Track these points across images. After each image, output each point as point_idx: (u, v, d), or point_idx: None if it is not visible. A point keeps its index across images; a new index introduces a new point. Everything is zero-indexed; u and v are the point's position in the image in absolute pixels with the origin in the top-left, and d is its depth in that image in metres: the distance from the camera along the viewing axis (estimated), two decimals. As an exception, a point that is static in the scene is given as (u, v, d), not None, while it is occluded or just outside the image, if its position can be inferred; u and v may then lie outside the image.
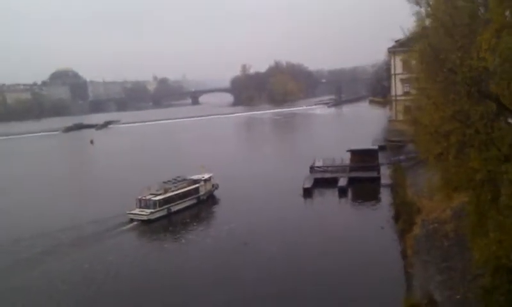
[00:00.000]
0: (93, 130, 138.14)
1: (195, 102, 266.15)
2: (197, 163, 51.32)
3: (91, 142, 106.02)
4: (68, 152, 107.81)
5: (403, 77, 71.73)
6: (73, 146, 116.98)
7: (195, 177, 47.83)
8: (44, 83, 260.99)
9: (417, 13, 19.67)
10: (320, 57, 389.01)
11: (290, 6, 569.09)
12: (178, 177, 47.58)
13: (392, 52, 75.37)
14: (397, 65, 73.38)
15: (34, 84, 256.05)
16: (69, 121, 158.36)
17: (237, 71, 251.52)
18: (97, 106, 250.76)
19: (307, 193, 47.10)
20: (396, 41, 78.00)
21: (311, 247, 32.14)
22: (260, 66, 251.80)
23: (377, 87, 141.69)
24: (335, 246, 32.05)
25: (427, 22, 19.75)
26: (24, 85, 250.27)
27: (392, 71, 75.65)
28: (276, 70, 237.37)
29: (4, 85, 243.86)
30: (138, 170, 64.35)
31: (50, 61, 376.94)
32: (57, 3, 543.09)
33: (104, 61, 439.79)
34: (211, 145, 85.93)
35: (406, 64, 69.96)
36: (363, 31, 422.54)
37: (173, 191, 44.56)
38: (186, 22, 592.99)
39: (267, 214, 41.03)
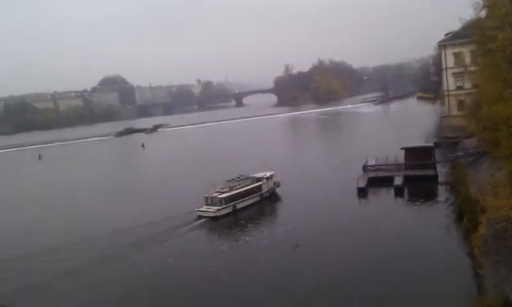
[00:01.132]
0: (143, 134, 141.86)
1: (239, 103, 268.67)
2: (250, 163, 52.52)
3: (143, 145, 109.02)
4: (124, 155, 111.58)
5: (456, 70, 70.08)
6: (126, 149, 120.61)
7: (258, 175, 48.76)
8: (94, 89, 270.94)
9: (475, 4, 20.07)
10: (364, 54, 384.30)
11: (333, 5, 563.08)
12: (242, 175, 48.61)
13: (443, 45, 73.51)
14: (449, 59, 71.64)
15: (85, 90, 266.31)
16: (119, 125, 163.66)
17: (280, 72, 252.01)
18: (144, 110, 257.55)
19: (362, 192, 46.54)
20: (446, 35, 76.39)
21: (371, 249, 31.47)
22: (303, 65, 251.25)
23: (425, 83, 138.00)
24: (397, 247, 31.36)
25: (483, 13, 20.17)
26: (75, 92, 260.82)
27: (443, 66, 73.65)
28: (320, 68, 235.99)
29: (56, 93, 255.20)
30: (196, 171, 66.78)
31: (99, 67, 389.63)
32: (102, 10, 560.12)
33: (149, 66, 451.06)
34: (261, 145, 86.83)
35: (458, 58, 68.59)
36: (407, 27, 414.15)
37: (237, 189, 45.76)
38: (228, 24, 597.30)
39: (324, 214, 40.97)
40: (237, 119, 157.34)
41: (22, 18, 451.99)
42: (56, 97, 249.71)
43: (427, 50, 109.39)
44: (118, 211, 49.53)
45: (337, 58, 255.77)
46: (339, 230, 36.16)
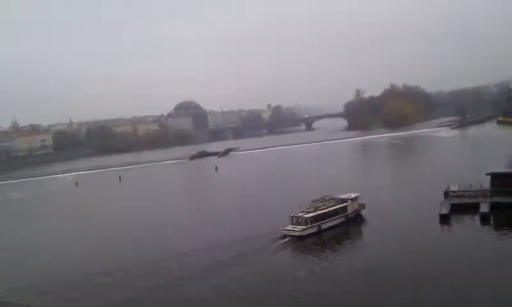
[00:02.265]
0: (215, 157, 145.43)
1: (309, 127, 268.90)
2: (326, 185, 52.27)
3: (216, 168, 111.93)
4: (199, 178, 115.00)
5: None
6: (201, 172, 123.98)
7: (343, 196, 48.96)
8: (169, 114, 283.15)
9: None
10: (439, 77, 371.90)
11: (406, 31, 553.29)
12: (326, 196, 49.16)
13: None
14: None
15: (161, 115, 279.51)
16: (192, 149, 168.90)
17: (350, 96, 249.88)
18: (216, 135, 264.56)
19: (444, 219, 44.89)
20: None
21: (459, 285, 29.85)
22: (375, 90, 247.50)
23: (508, 106, 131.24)
24: (490, 283, 29.39)
25: None
26: (152, 117, 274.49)
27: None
28: (392, 92, 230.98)
29: (135, 117, 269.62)
30: (271, 192, 68.61)
31: (175, 94, 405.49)
32: (179, 38, 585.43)
33: (221, 91, 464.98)
34: (333, 168, 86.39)
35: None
36: (482, 51, 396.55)
37: (322, 209, 46.24)
38: (298, 48, 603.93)
39: (408, 240, 40.30)
40: (308, 143, 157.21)
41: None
42: (134, 121, 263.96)
43: (507, 73, 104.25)
44: (202, 230, 51.32)
45: (411, 82, 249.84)
46: (425, 259, 35.02)
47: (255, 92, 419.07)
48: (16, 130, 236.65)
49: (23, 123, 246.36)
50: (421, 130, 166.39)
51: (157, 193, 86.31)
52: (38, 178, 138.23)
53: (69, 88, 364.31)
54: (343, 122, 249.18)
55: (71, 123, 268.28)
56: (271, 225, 45.40)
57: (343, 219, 47.34)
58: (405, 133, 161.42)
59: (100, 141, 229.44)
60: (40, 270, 42.14)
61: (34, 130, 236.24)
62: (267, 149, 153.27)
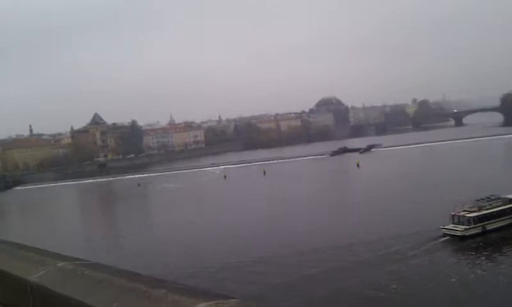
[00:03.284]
0: (356, 153, 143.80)
1: (458, 123, 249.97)
2: (484, 185, 49.44)
3: (358, 165, 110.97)
4: (341, 173, 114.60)
5: None
6: (342, 168, 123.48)
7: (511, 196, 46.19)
8: (311, 110, 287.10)
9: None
10: None
11: None
12: (492, 195, 46.63)
13: None
14: None
15: (303, 112, 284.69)
16: (333, 145, 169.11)
17: (509, 87, 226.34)
18: (357, 130, 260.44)
19: None
20: None
21: None
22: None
23: None
24: None
25: None
26: (295, 113, 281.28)
27: None
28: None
29: (278, 114, 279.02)
30: (423, 190, 65.68)
31: (317, 89, 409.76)
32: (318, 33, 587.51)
33: (363, 86, 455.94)
34: (490, 167, 79.83)
35: None
36: None
37: (487, 209, 43.96)
38: (446, 36, 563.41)
39: None
40: (458, 139, 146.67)
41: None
42: (277, 118, 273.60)
43: None
44: (354, 224, 51.17)
45: None
46: None
47: (399, 86, 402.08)
48: (173, 127, 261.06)
49: (178, 120, 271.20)
50: None
51: (299, 187, 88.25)
52: (191, 170, 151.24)
53: (218, 87, 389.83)
54: (498, 117, 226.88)
55: (220, 120, 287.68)
56: (425, 223, 44.33)
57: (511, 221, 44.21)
58: None
59: (246, 136, 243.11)
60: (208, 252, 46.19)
61: (188, 126, 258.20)
62: (412, 145, 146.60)
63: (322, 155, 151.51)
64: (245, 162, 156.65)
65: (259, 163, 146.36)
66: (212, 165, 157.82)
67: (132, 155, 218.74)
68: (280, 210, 64.31)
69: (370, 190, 74.62)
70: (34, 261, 3.58)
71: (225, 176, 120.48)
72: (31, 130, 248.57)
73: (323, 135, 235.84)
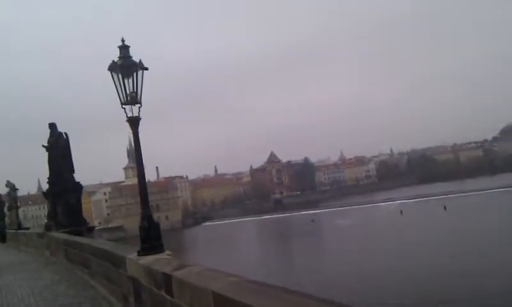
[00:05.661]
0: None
1: None
2: None
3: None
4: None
5: None
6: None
7: None
8: (495, 139, 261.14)
9: None
10: None
11: None
12: None
13: None
14: None
15: (485, 140, 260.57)
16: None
17: None
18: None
19: None
20: None
21: None
22: None
23: None
24: None
25: None
26: (475, 142, 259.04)
27: None
28: None
29: (455, 144, 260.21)
30: None
31: (499, 115, 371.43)
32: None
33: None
34: None
35: None
36: None
37: None
38: None
39: None
40: None
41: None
42: (455, 149, 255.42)
43: None
44: None
45: None
46: None
47: None
48: (344, 162, 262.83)
49: (348, 154, 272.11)
50: None
51: (489, 224, 79.19)
52: (364, 206, 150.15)
53: (388, 119, 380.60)
54: None
55: (392, 153, 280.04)
56: None
57: None
58: None
59: (420, 169, 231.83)
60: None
61: (359, 161, 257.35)
62: None
63: (509, 187, 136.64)
64: (422, 196, 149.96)
65: (437, 197, 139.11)
66: (388, 200, 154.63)
67: (305, 192, 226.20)
68: (467, 249, 60.50)
69: None
70: (213, 276, 5.52)
71: (401, 212, 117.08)
72: (215, 170, 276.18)
73: (510, 165, 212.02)
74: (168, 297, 6.54)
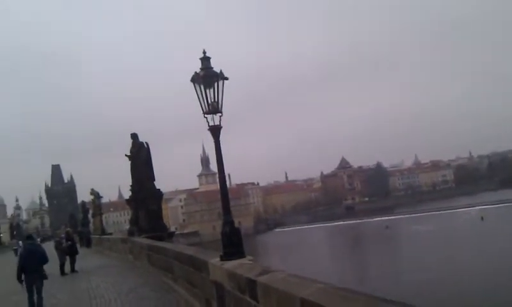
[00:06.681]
0: None
1: None
2: None
3: None
4: None
5: None
6: None
7: None
8: None
9: None
10: None
11: None
12: None
13: None
14: None
15: None
16: None
17: None
18: None
19: None
20: None
21: None
22: None
23: None
24: None
25: None
26: None
27: None
28: None
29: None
30: None
31: None
32: None
33: None
34: None
35: None
36: None
37: None
38: None
39: None
40: None
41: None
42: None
43: None
44: None
45: None
46: None
47: None
48: (419, 167, 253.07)
49: (424, 159, 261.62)
50: None
51: None
52: (441, 212, 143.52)
53: (465, 121, 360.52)
54: None
55: (471, 157, 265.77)
56: None
57: None
58: None
59: (502, 173, 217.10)
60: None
61: (435, 165, 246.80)
62: None
63: None
64: (504, 201, 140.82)
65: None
66: (467, 206, 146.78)
67: (378, 197, 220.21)
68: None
69: None
70: (300, 282, 5.53)
71: (482, 218, 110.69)
72: (286, 177, 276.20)
73: None
74: (253, 302, 6.66)
